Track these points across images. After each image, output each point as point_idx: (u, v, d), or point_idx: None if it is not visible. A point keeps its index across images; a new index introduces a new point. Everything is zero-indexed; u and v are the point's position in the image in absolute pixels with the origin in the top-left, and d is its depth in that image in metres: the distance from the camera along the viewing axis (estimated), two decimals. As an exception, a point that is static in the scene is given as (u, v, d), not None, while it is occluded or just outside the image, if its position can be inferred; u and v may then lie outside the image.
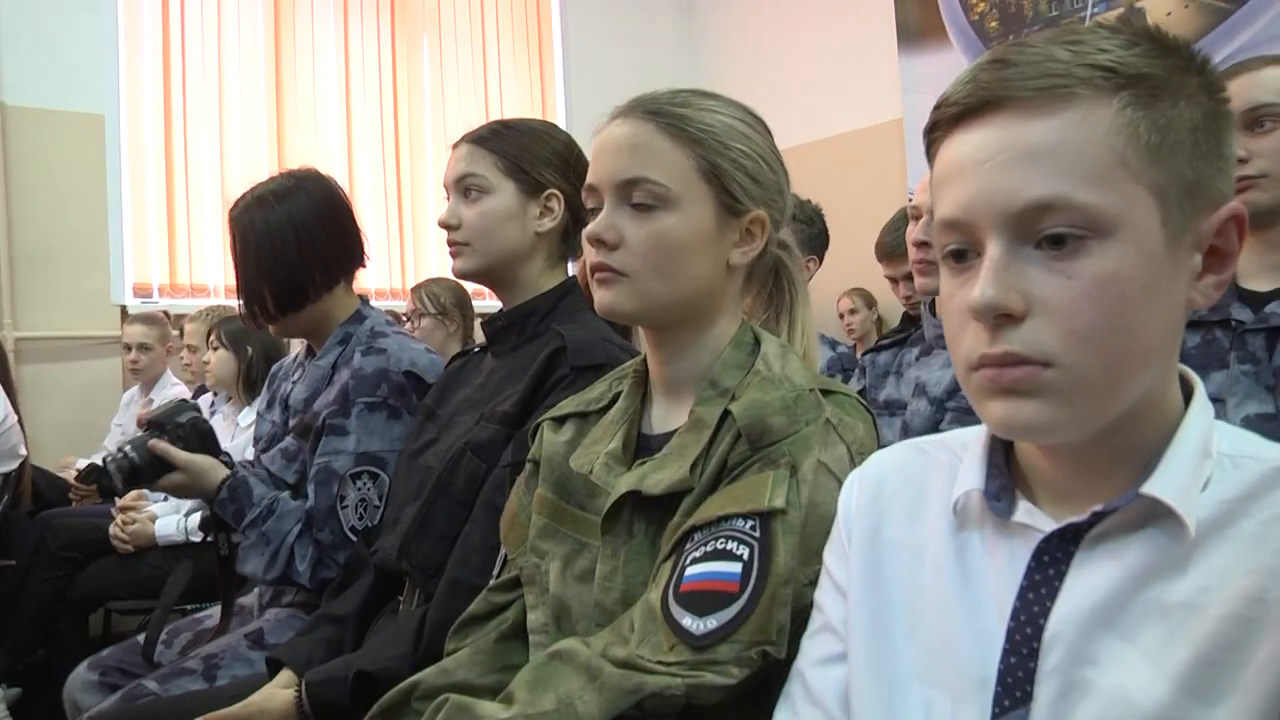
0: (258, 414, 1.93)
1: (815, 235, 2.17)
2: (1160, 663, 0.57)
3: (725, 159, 0.94)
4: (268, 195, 1.65)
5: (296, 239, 1.62)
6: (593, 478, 0.98)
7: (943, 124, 0.64)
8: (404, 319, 3.08)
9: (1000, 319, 0.59)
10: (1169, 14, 3.03)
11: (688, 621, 0.80)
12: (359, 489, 1.55)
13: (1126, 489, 0.61)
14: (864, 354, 1.94)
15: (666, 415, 1.00)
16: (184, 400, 1.67)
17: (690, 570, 0.83)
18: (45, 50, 3.59)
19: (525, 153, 1.39)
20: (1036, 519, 0.65)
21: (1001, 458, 0.69)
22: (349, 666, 1.22)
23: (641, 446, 1.00)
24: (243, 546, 1.57)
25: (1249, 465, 0.61)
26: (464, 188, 1.39)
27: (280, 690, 1.29)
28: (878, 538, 0.73)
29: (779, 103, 4.46)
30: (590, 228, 0.95)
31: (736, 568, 0.81)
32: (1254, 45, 2.79)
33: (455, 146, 1.43)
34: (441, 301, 2.95)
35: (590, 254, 0.96)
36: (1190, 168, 0.59)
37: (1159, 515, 0.60)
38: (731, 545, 0.82)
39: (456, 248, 1.40)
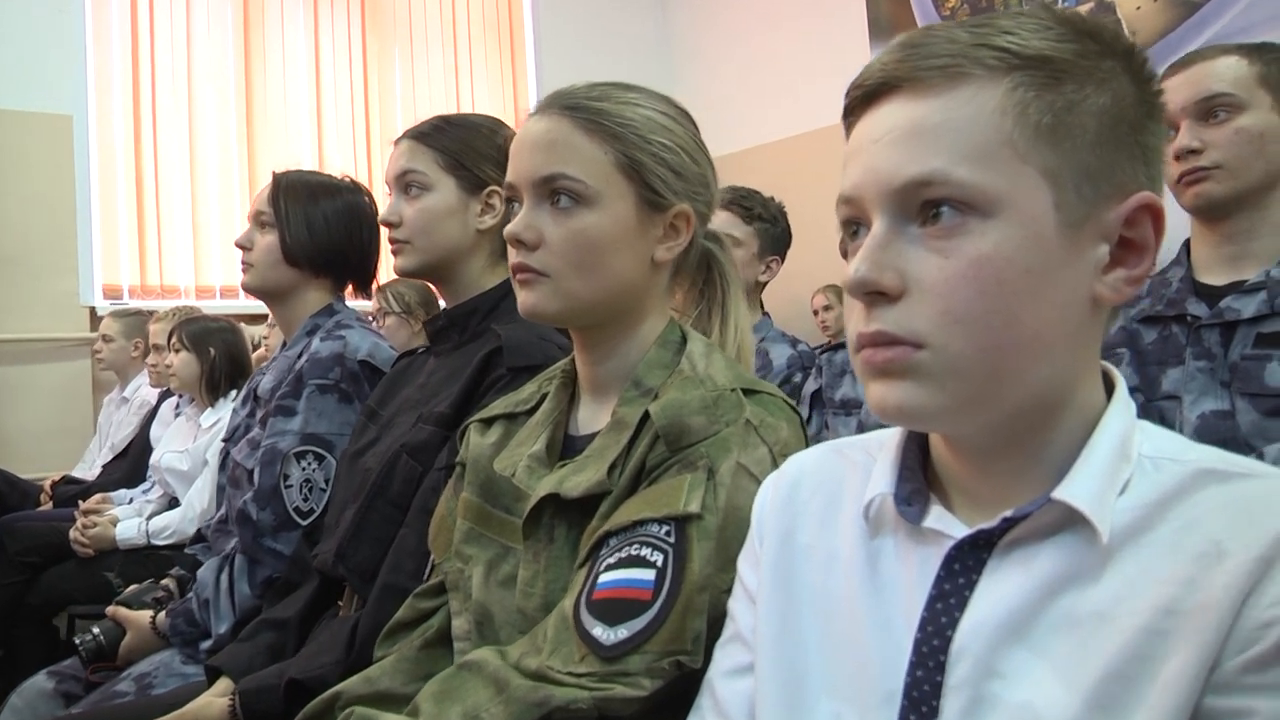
0: (233, 409, 1.92)
1: (779, 234, 2.15)
2: (1069, 677, 0.55)
3: (645, 153, 0.92)
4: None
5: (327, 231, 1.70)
6: (515, 480, 0.95)
7: (854, 108, 0.63)
8: (369, 318, 3.05)
9: (875, 297, 0.58)
10: (1138, 8, 3.03)
11: (598, 631, 0.78)
12: (304, 469, 1.55)
13: (1041, 493, 0.58)
14: (821, 353, 1.92)
15: (593, 416, 0.98)
16: (155, 582, 1.84)
17: (603, 578, 0.80)
18: (12, 50, 3.54)
19: (466, 149, 1.36)
20: (948, 525, 0.62)
21: (916, 460, 0.66)
22: (281, 674, 1.20)
23: (568, 448, 0.98)
24: (205, 622, 1.59)
25: (1168, 468, 0.59)
26: (404, 184, 1.37)
27: (215, 699, 1.26)
28: (790, 543, 0.71)
29: (753, 100, 4.49)
30: (509, 228, 0.93)
31: (649, 575, 0.78)
32: (1223, 38, 2.78)
33: (397, 143, 1.41)
34: (406, 300, 2.92)
35: (511, 254, 0.94)
36: (1093, 153, 0.57)
37: (1073, 521, 0.57)
38: (645, 551, 0.79)
39: (397, 245, 1.38)
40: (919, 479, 0.65)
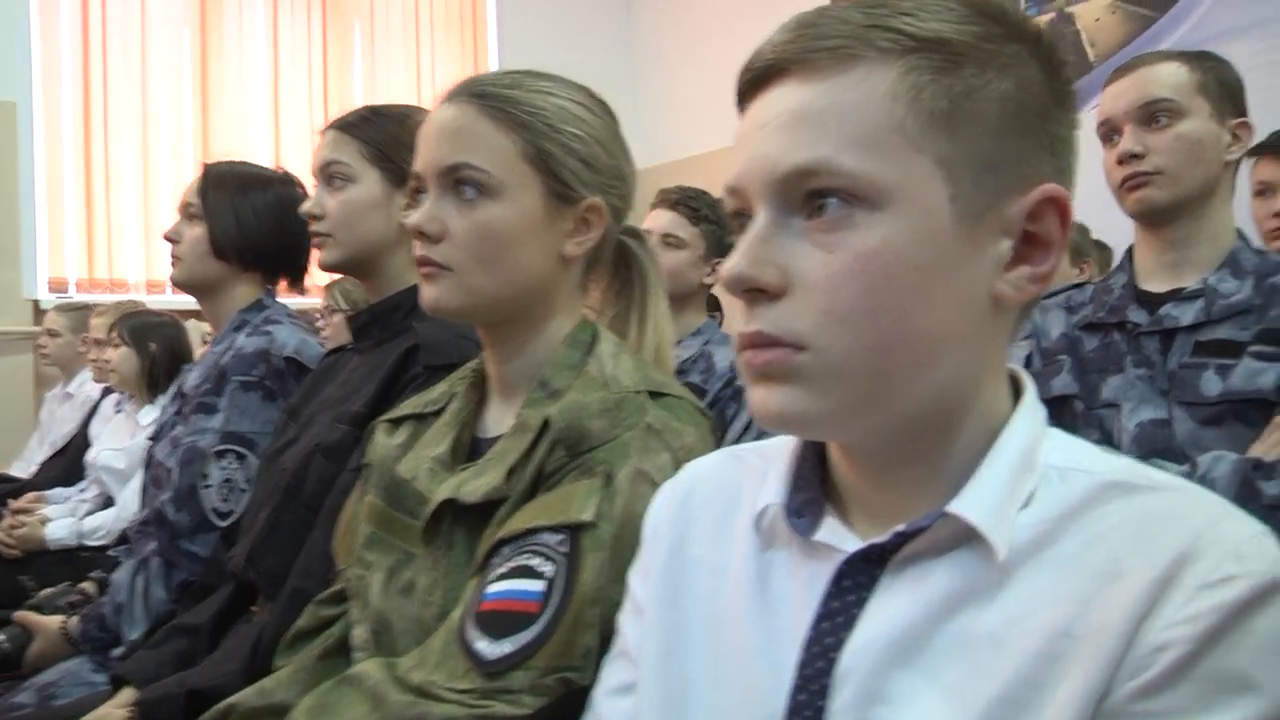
0: (164, 406, 1.87)
1: (724, 237, 2.11)
2: (958, 703, 0.51)
3: (554, 143, 0.88)
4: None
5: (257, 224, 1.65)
6: (416, 484, 0.91)
7: (746, 92, 0.59)
8: (317, 315, 2.99)
9: (755, 295, 0.54)
10: (1097, 20, 3.10)
11: (481, 645, 0.74)
12: (223, 468, 1.50)
13: (938, 505, 0.55)
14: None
15: (501, 418, 0.94)
16: (71, 585, 1.80)
17: (491, 588, 0.77)
18: (-48, 33, 3.46)
19: (392, 140, 1.32)
20: (841, 538, 0.58)
21: (812, 468, 0.62)
22: (183, 684, 1.15)
23: (475, 451, 0.94)
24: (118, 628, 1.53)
25: (1075, 479, 0.55)
26: (328, 175, 1.33)
27: (115, 710, 1.21)
28: (680, 554, 0.66)
29: (715, 103, 4.43)
30: (411, 219, 0.90)
31: (539, 586, 0.74)
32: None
33: (323, 132, 1.37)
34: (354, 298, 2.85)
35: (415, 247, 0.91)
36: (994, 142, 0.53)
37: (970, 536, 0.54)
38: (536, 561, 0.75)
39: (320, 239, 1.33)
40: (814, 488, 0.61)
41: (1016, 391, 0.60)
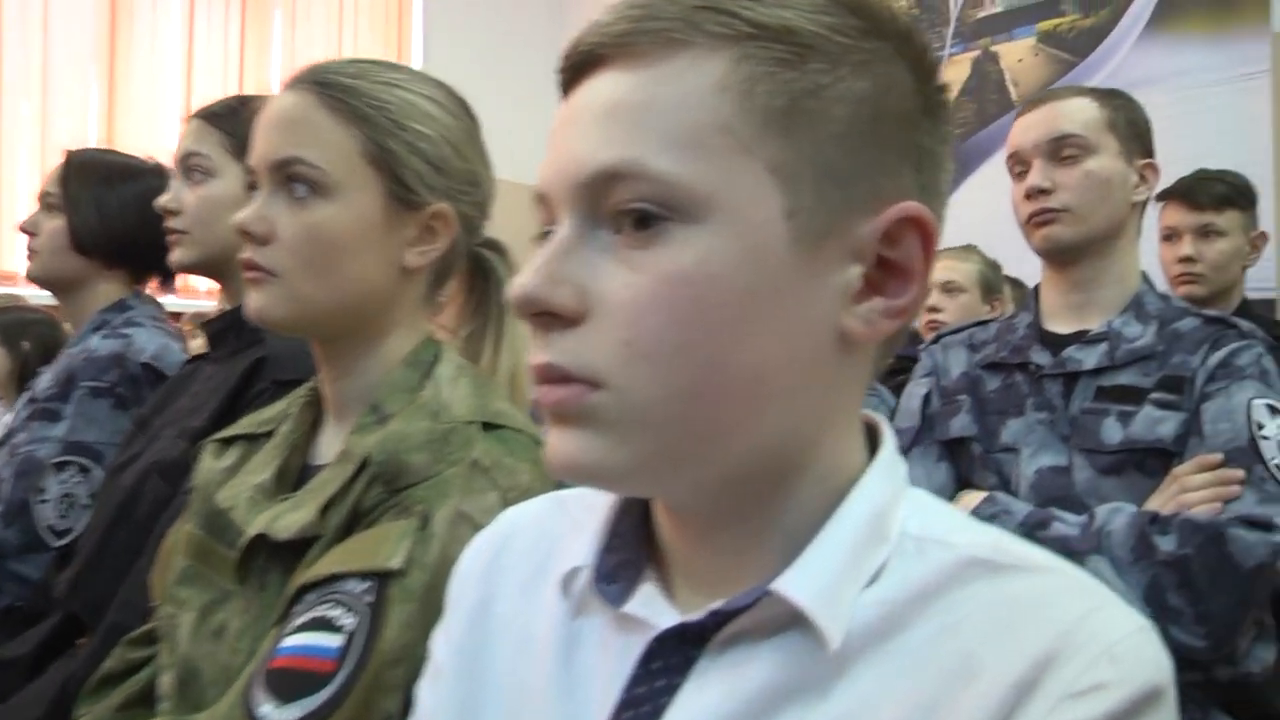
0: (16, 411, 1.72)
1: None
2: None
3: (398, 141, 0.80)
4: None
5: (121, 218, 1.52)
6: (233, 514, 0.82)
7: (566, 84, 0.50)
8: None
9: (547, 319, 0.45)
10: (1020, 60, 3.20)
11: (266, 710, 0.65)
12: (63, 482, 1.37)
13: (766, 578, 0.46)
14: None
15: (333, 443, 0.85)
16: None
17: (285, 642, 0.67)
18: None
19: None
20: (656, 611, 0.49)
21: (633, 524, 0.53)
22: (-26, 731, 1.02)
23: (303, 479, 0.84)
24: None
25: (933, 552, 0.47)
26: (187, 168, 1.23)
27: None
28: (486, 613, 0.57)
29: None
30: (236, 217, 0.80)
31: (336, 641, 0.66)
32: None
33: (187, 120, 1.26)
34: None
35: (243, 249, 0.81)
36: (842, 150, 0.45)
37: (800, 619, 0.45)
38: (336, 613, 0.67)
39: (175, 236, 1.23)
40: (633, 549, 0.52)
41: (875, 444, 0.52)
